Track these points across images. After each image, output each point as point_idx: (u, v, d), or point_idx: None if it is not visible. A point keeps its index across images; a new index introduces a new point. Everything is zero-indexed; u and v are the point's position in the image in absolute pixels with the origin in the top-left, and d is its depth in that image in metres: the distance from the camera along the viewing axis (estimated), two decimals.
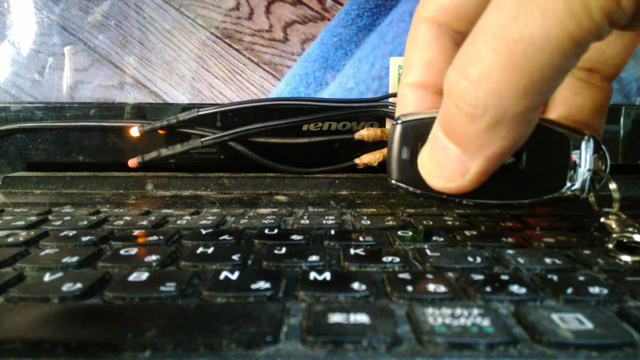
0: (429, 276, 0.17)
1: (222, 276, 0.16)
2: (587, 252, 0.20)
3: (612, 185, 0.21)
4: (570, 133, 0.20)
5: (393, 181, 0.23)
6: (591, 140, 0.20)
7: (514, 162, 0.21)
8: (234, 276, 0.16)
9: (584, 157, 0.20)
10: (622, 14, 0.14)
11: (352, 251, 0.19)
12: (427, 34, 0.21)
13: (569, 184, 0.21)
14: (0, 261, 0.18)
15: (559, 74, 0.15)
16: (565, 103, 0.23)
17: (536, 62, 0.15)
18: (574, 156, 0.20)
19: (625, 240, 0.20)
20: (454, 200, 0.22)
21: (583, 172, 0.21)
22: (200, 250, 0.20)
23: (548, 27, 0.14)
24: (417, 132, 0.21)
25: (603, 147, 0.21)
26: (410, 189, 0.22)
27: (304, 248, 0.20)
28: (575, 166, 0.21)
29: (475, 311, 0.14)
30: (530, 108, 0.16)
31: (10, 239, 0.21)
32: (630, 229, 0.20)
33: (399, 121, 0.22)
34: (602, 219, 0.22)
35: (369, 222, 0.25)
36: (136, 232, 0.23)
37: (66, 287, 0.16)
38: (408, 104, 0.22)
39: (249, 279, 0.16)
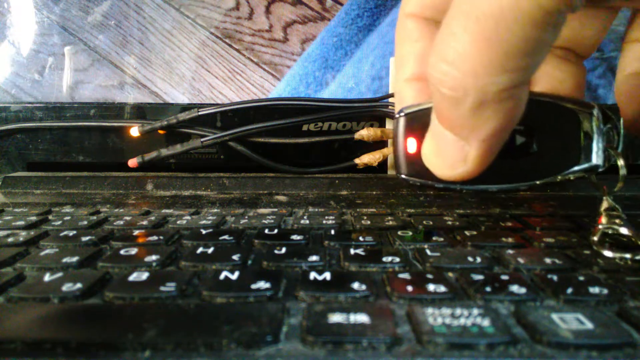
0: (429, 276, 0.17)
1: (222, 276, 0.16)
2: (587, 252, 0.20)
3: (620, 162, 0.20)
4: (578, 107, 0.20)
5: (403, 176, 0.22)
6: (600, 112, 0.20)
7: (524, 142, 0.20)
8: (234, 276, 0.16)
9: (596, 130, 0.20)
10: None
11: (352, 251, 0.19)
12: (414, 28, 0.21)
13: (584, 159, 0.20)
14: (0, 261, 0.18)
15: (537, 47, 0.15)
16: (547, 77, 0.22)
17: (509, 35, 0.14)
18: (587, 130, 0.20)
19: (611, 232, 0.20)
20: (469, 189, 0.21)
21: (597, 145, 0.20)
22: (200, 250, 0.20)
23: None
24: (420, 122, 0.21)
25: (613, 117, 0.20)
26: (422, 181, 0.21)
27: (304, 248, 0.20)
28: (589, 140, 0.20)
29: (475, 311, 0.14)
30: (512, 85, 0.15)
31: (10, 239, 0.21)
32: (617, 221, 0.20)
33: (402, 114, 0.21)
34: (602, 208, 0.21)
35: (369, 222, 0.25)
36: (136, 232, 0.23)
37: (66, 287, 0.16)
38: (407, 99, 0.22)
39: (249, 279, 0.16)
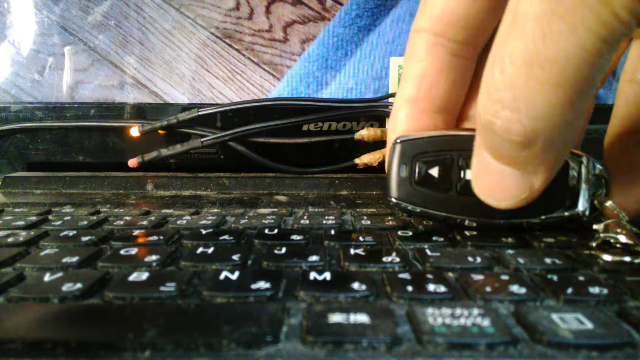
0: (429, 276, 0.17)
1: (222, 276, 0.16)
2: (587, 252, 0.20)
3: (609, 203, 0.22)
4: (570, 156, 0.21)
5: (393, 199, 0.23)
6: (590, 162, 0.21)
7: None
8: (234, 276, 0.16)
9: (584, 179, 0.21)
10: None
11: (352, 251, 0.19)
12: (421, 46, 0.21)
13: (570, 205, 0.21)
14: (0, 261, 0.18)
15: (599, 75, 0.15)
16: None
17: (577, 75, 0.14)
18: (575, 177, 0.21)
19: (611, 240, 0.20)
20: (456, 221, 0.22)
21: (584, 193, 0.21)
22: (200, 250, 0.20)
23: (582, 40, 0.14)
24: (416, 151, 0.22)
25: (602, 170, 0.22)
26: (410, 207, 0.22)
27: (304, 248, 0.20)
28: (577, 187, 0.21)
29: (475, 311, 0.14)
30: (578, 116, 0.15)
31: (10, 239, 0.21)
32: (618, 230, 0.20)
33: (398, 140, 0.22)
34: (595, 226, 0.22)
35: (369, 222, 0.25)
36: (136, 232, 0.23)
37: (66, 287, 0.16)
38: (399, 120, 0.22)
39: (249, 279, 0.16)
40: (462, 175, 0.21)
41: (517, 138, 0.16)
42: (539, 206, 0.20)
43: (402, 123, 0.22)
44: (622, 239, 0.20)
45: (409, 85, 0.22)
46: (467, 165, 0.21)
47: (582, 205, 0.21)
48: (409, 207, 0.22)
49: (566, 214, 0.21)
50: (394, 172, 0.22)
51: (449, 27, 0.20)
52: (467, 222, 0.22)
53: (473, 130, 0.21)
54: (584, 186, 0.21)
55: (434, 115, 0.22)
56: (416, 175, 0.22)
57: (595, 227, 0.21)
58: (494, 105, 0.16)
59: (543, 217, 0.21)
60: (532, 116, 0.15)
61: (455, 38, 0.20)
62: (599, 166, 0.21)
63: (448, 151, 0.22)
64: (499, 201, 0.19)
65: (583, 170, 0.21)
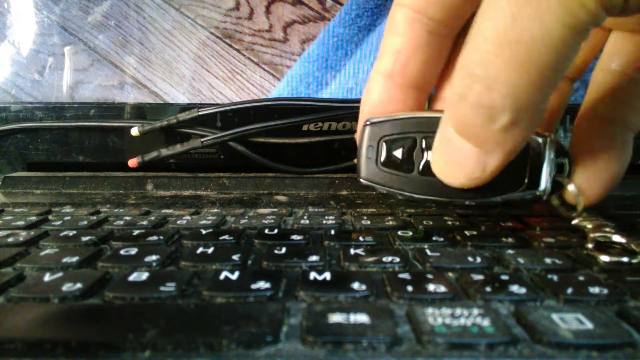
0: (429, 276, 0.17)
1: (222, 276, 0.16)
2: (587, 252, 0.20)
3: (571, 187, 0.22)
4: (535, 134, 0.21)
5: (362, 180, 0.24)
6: (554, 143, 0.21)
7: None
8: (234, 276, 0.16)
9: (546, 159, 0.21)
10: (615, 1, 0.14)
11: (352, 251, 0.19)
12: (401, 20, 0.21)
13: (526, 184, 0.21)
14: (0, 261, 0.18)
15: (566, 62, 0.16)
16: None
17: (542, 59, 0.15)
18: (536, 157, 0.21)
19: (603, 240, 0.20)
20: (414, 199, 0.23)
21: (545, 173, 0.21)
22: (200, 250, 0.20)
23: (547, 25, 0.14)
24: (382, 133, 0.23)
25: (567, 150, 0.22)
26: (377, 186, 0.23)
27: (304, 248, 0.20)
28: (537, 167, 0.21)
29: (475, 311, 0.14)
30: (543, 100, 0.16)
31: (10, 239, 0.21)
32: (607, 229, 0.20)
33: (367, 123, 0.23)
34: (573, 222, 0.22)
35: (369, 222, 0.25)
36: (136, 232, 0.23)
37: (66, 287, 0.16)
38: (374, 93, 0.23)
39: (249, 279, 0.16)
40: (424, 156, 0.22)
41: (485, 111, 0.16)
42: (499, 185, 0.21)
43: (375, 95, 0.23)
44: (617, 238, 0.20)
45: (386, 59, 0.22)
46: (430, 147, 0.22)
47: (543, 184, 0.21)
48: (377, 187, 0.23)
49: (527, 195, 0.21)
50: (363, 154, 0.23)
51: (429, 4, 0.20)
52: (427, 198, 0.23)
53: (438, 112, 0.22)
54: (545, 167, 0.21)
55: (407, 90, 0.22)
56: (382, 156, 0.23)
57: (574, 222, 0.22)
58: (468, 79, 0.16)
59: (503, 196, 0.22)
60: (500, 92, 0.16)
61: (434, 16, 0.21)
62: (563, 147, 0.22)
63: (412, 133, 0.22)
64: (452, 179, 0.19)
65: (547, 150, 0.21)
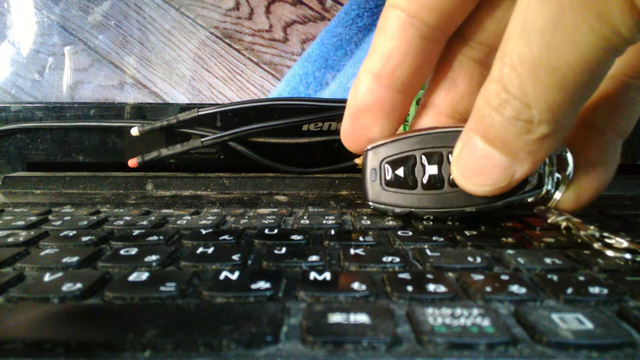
0: (429, 276, 0.17)
1: (222, 276, 0.16)
2: (587, 252, 0.20)
3: (557, 195, 0.22)
4: None
5: (370, 203, 0.25)
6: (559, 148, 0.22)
7: None
8: (234, 276, 0.16)
9: (548, 162, 0.22)
10: None
11: (352, 251, 0.19)
12: (393, 24, 0.21)
13: (530, 187, 0.22)
14: (0, 261, 0.18)
15: (602, 77, 0.16)
16: None
17: (578, 80, 0.15)
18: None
19: (608, 241, 0.20)
20: (419, 216, 0.24)
21: (546, 174, 0.22)
22: (200, 250, 0.20)
23: (581, 52, 0.15)
24: (383, 155, 0.24)
25: (567, 152, 0.22)
26: (385, 207, 0.25)
27: (304, 248, 0.20)
28: (542, 169, 0.22)
29: (475, 311, 0.14)
30: (578, 110, 0.17)
31: (10, 239, 0.21)
32: (606, 233, 0.20)
33: (368, 148, 0.24)
34: (549, 220, 0.23)
35: (369, 222, 0.25)
36: (136, 232, 0.23)
37: (66, 287, 0.16)
38: (360, 91, 0.23)
39: (249, 279, 0.16)
40: (425, 171, 0.23)
41: (523, 124, 0.17)
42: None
43: (362, 96, 0.23)
44: (620, 240, 0.20)
45: (375, 60, 0.22)
46: (430, 162, 0.23)
47: (548, 185, 0.22)
48: (385, 208, 0.25)
49: (529, 196, 0.22)
50: (368, 178, 0.25)
51: (423, 9, 0.20)
52: (431, 216, 0.24)
53: (430, 129, 0.23)
54: (547, 169, 0.22)
55: (394, 93, 0.22)
56: (386, 177, 0.24)
57: (550, 220, 0.22)
58: (504, 94, 0.17)
59: (504, 200, 0.22)
60: (540, 110, 0.16)
61: (427, 21, 0.20)
62: (565, 148, 0.22)
63: (410, 151, 0.23)
64: (477, 186, 0.20)
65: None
